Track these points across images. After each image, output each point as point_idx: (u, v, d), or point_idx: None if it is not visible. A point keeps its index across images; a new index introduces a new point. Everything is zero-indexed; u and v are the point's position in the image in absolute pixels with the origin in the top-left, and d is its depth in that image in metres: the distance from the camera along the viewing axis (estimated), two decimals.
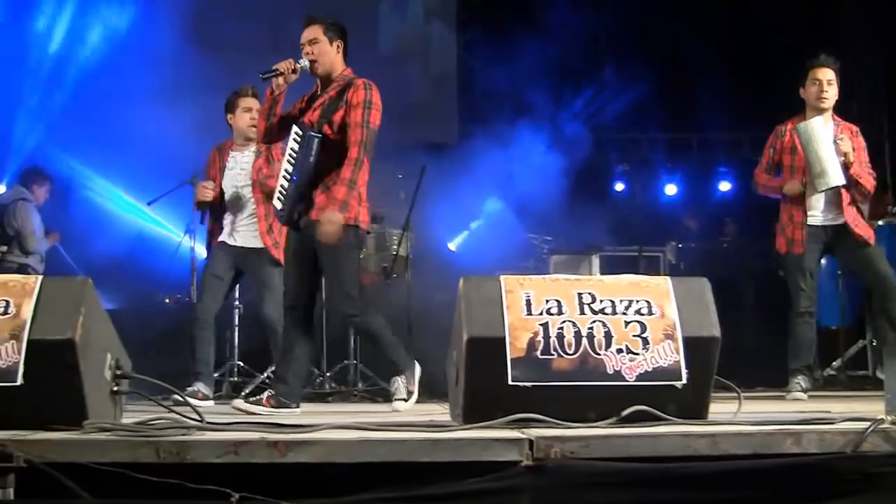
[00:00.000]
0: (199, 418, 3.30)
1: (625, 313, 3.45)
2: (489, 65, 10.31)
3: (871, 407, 3.92)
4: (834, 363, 7.67)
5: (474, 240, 10.59)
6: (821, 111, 6.00)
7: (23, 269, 8.00)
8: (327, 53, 5.09)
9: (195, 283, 6.74)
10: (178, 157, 7.40)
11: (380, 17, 11.37)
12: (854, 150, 5.91)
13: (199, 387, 5.84)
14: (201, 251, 6.72)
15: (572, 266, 8.98)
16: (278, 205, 5.08)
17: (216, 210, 6.20)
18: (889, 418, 3.16)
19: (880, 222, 7.46)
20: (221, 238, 6.16)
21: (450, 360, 3.73)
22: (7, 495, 2.72)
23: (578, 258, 9.17)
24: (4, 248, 8.14)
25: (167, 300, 8.94)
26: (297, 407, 4.98)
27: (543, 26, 10.19)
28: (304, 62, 5.06)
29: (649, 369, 3.39)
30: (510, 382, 3.31)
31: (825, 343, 7.19)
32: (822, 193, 5.93)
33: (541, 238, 9.42)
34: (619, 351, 3.39)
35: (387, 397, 5.64)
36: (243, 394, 6.78)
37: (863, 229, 5.99)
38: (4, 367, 3.18)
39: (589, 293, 3.48)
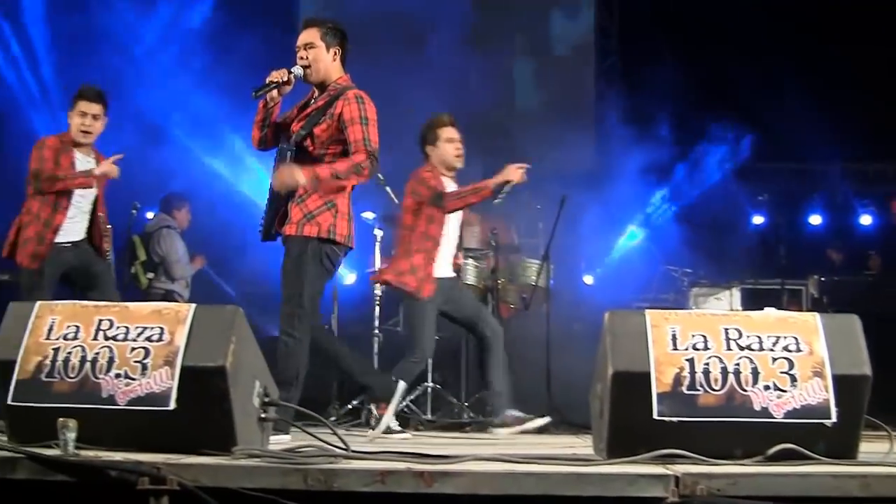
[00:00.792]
0: (345, 446, 3.33)
1: (772, 349, 3.40)
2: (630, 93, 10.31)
3: None
4: None
5: (611, 270, 10.55)
6: None
7: (168, 296, 8.23)
8: (322, 60, 4.86)
9: (336, 311, 6.86)
10: None
11: None
12: None
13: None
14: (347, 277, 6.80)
15: (712, 298, 8.87)
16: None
17: None
18: None
19: None
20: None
21: (593, 393, 3.73)
22: None
23: (718, 290, 9.05)
24: (152, 276, 8.33)
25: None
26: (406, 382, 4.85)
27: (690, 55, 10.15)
28: (298, 70, 4.84)
29: (797, 406, 3.33)
30: (655, 417, 3.29)
31: None
32: None
33: (680, 270, 9.33)
34: (767, 388, 3.34)
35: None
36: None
37: None
38: (158, 391, 3.24)
39: (735, 328, 3.44)
